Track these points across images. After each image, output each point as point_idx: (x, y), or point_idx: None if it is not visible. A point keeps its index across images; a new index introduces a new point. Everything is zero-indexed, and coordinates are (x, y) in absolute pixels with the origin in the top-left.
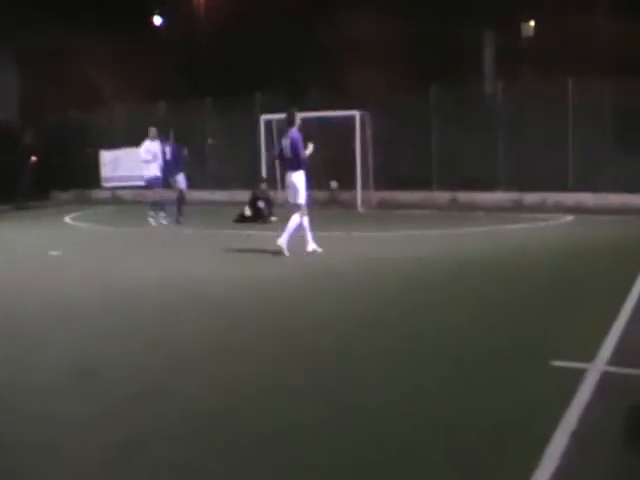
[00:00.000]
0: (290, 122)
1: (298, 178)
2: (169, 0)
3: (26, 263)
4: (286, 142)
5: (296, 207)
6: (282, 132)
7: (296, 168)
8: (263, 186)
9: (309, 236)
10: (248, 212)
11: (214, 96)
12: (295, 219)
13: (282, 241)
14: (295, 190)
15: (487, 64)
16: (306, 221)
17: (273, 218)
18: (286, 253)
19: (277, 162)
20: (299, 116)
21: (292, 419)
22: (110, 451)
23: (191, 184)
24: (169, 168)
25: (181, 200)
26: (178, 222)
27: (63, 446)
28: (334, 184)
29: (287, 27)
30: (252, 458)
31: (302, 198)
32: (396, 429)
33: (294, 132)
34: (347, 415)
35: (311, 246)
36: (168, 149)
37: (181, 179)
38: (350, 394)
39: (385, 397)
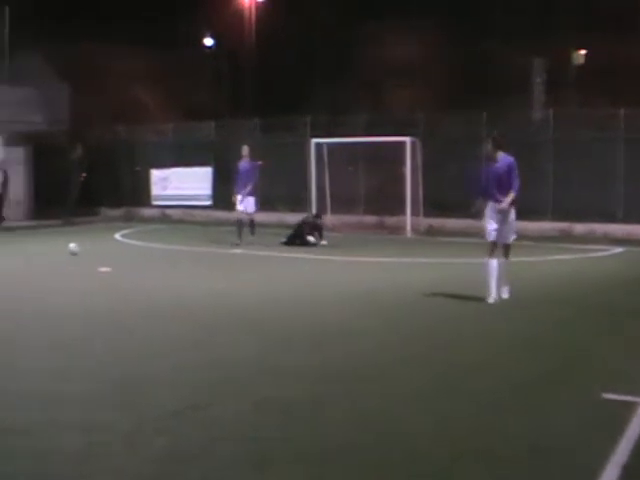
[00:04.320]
0: (499, 146)
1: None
2: (220, 22)
3: (76, 279)
4: (498, 169)
5: (506, 246)
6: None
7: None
8: (312, 218)
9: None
10: (312, 239)
11: (263, 116)
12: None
13: (496, 294)
14: (511, 225)
15: (537, 92)
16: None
17: (323, 242)
18: (491, 300)
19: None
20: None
21: (332, 441)
22: (149, 465)
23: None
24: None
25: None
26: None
27: (101, 456)
28: None
29: (335, 50)
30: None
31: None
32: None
33: (506, 157)
34: (401, 442)
35: (498, 292)
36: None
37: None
38: (383, 419)
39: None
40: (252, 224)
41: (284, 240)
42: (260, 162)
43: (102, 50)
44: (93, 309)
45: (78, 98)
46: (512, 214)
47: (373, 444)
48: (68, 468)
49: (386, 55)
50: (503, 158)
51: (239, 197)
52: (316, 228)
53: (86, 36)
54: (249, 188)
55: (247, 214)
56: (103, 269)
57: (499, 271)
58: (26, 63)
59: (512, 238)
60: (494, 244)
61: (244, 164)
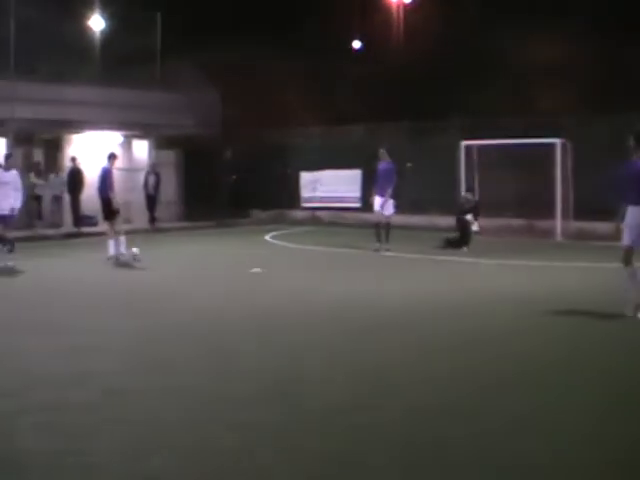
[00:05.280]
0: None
1: None
2: (368, 25)
3: (230, 279)
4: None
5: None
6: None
7: None
8: (469, 196)
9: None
10: (469, 217)
11: (411, 119)
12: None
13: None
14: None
15: None
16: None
17: (475, 226)
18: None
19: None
20: None
21: (478, 448)
22: (299, 466)
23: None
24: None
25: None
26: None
27: (253, 455)
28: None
29: (483, 51)
30: None
31: None
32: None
33: None
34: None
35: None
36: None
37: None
38: (526, 427)
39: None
40: (388, 227)
41: (441, 244)
42: (409, 164)
43: (251, 54)
44: (246, 310)
45: (228, 102)
46: None
47: (518, 451)
48: (220, 465)
49: (534, 56)
50: None
51: (377, 198)
52: (474, 211)
53: (235, 40)
54: (389, 190)
55: (385, 217)
56: (255, 270)
57: (635, 281)
58: (177, 68)
59: None
60: (628, 249)
61: (383, 165)
